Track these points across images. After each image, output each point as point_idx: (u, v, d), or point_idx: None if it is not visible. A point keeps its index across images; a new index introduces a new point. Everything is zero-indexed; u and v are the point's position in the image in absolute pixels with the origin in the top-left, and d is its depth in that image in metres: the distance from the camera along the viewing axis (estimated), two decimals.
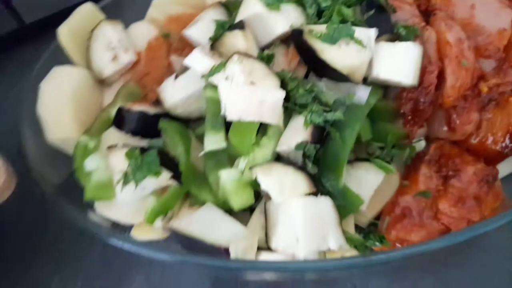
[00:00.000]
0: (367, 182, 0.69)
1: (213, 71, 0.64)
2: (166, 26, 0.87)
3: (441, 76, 0.73)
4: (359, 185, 0.67)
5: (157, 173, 0.65)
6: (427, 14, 0.83)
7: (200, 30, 0.76)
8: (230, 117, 0.62)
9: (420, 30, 0.73)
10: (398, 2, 0.79)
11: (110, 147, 0.71)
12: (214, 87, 0.66)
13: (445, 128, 0.79)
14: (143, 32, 0.87)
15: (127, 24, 0.92)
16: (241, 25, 0.64)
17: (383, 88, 0.73)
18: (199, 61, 0.65)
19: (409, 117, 0.75)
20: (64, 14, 1.15)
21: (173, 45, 0.85)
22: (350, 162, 0.70)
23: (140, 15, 0.96)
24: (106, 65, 0.83)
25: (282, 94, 0.62)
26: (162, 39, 0.86)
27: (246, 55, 0.64)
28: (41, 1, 1.10)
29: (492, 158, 0.78)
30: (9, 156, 0.77)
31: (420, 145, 0.78)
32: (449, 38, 0.72)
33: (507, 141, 0.76)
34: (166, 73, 0.84)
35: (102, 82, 0.86)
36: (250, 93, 0.60)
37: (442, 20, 0.75)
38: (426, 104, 0.73)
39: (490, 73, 0.79)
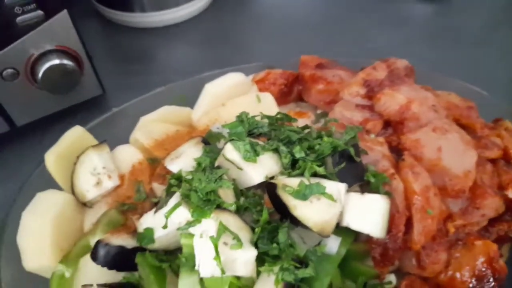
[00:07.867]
0: None
1: (189, 225, 0.67)
2: (151, 151, 0.91)
3: (408, 223, 0.77)
4: None
5: None
6: (397, 151, 0.89)
7: (181, 166, 0.80)
8: (204, 273, 0.64)
9: (388, 177, 0.78)
10: (370, 143, 0.85)
11: (85, 286, 0.72)
12: (190, 235, 0.69)
13: (415, 263, 0.82)
14: (128, 155, 0.91)
15: (113, 141, 0.95)
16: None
17: (354, 232, 0.76)
18: (176, 212, 0.68)
19: (379, 259, 0.78)
20: (54, 116, 1.19)
21: (156, 170, 0.88)
22: None
23: (128, 131, 1.00)
24: (89, 189, 0.85)
25: (254, 252, 0.64)
26: (146, 163, 0.90)
27: (222, 209, 0.67)
28: (33, 105, 1.13)
29: None
30: None
31: (391, 283, 0.80)
32: (415, 188, 0.77)
33: (474, 282, 0.79)
34: (148, 198, 0.87)
35: (83, 204, 0.88)
36: (223, 254, 0.62)
37: (409, 167, 0.79)
38: (395, 250, 0.76)
39: (456, 213, 0.83)
